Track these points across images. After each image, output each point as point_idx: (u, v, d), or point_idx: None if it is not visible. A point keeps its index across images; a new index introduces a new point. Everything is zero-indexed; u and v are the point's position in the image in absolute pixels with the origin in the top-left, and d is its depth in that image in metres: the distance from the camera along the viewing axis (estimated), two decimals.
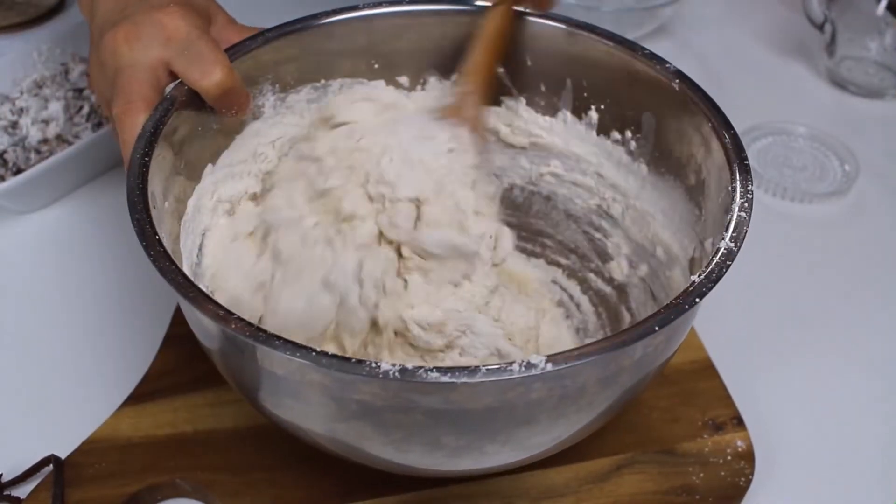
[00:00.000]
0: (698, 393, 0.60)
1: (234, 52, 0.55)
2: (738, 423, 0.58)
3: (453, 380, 0.38)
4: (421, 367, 0.38)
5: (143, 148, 0.49)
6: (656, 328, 0.41)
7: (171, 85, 0.53)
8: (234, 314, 0.41)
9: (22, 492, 0.54)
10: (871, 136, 0.85)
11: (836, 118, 0.88)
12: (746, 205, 0.47)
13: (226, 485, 0.54)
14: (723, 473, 0.55)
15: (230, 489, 0.54)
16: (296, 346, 0.40)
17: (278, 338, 0.40)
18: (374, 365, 0.39)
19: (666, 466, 0.56)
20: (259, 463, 0.55)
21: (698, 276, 0.44)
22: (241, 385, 0.48)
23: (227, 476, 0.54)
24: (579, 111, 0.62)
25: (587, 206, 0.64)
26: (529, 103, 0.63)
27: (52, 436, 0.56)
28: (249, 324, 0.41)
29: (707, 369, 0.61)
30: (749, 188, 0.48)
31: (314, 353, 0.39)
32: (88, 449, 0.55)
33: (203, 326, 0.46)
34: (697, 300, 0.42)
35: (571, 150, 0.63)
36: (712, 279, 0.43)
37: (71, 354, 0.63)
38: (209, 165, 0.55)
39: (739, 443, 0.57)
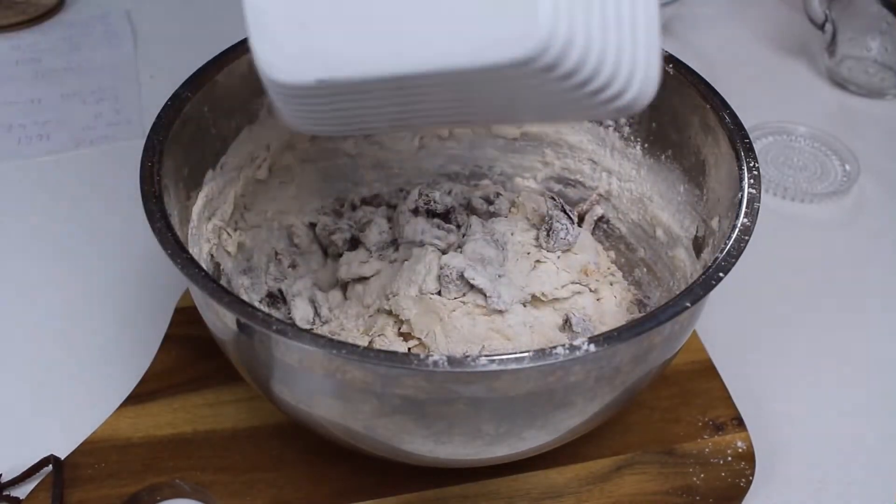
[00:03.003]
0: (699, 393, 0.59)
1: (228, 55, 0.55)
2: (739, 423, 0.58)
3: (501, 367, 0.39)
4: (468, 356, 0.39)
5: (155, 156, 0.49)
6: (688, 304, 0.42)
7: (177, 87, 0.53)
8: (272, 316, 0.41)
9: (21, 492, 0.54)
10: (872, 136, 0.85)
11: (837, 118, 0.88)
12: (753, 181, 0.49)
13: (226, 485, 0.54)
14: (723, 474, 0.55)
15: (230, 489, 0.54)
16: (339, 344, 0.40)
17: (321, 337, 0.40)
18: (421, 357, 0.39)
19: (666, 467, 0.56)
20: (259, 463, 0.55)
21: (720, 253, 0.45)
22: (264, 383, 0.48)
23: (227, 476, 0.54)
24: None
25: (582, 193, 0.65)
26: None
27: (52, 436, 0.56)
28: (292, 325, 0.41)
29: (707, 370, 0.61)
30: (754, 165, 0.50)
31: (360, 349, 0.40)
32: (88, 449, 0.55)
33: (229, 328, 0.45)
34: (722, 275, 0.44)
35: (563, 139, 0.64)
36: (733, 255, 0.45)
37: (71, 354, 0.63)
38: (210, 171, 0.56)
39: (740, 443, 0.57)
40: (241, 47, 0.56)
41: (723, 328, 0.64)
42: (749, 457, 0.56)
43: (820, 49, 0.92)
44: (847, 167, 0.80)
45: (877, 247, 0.74)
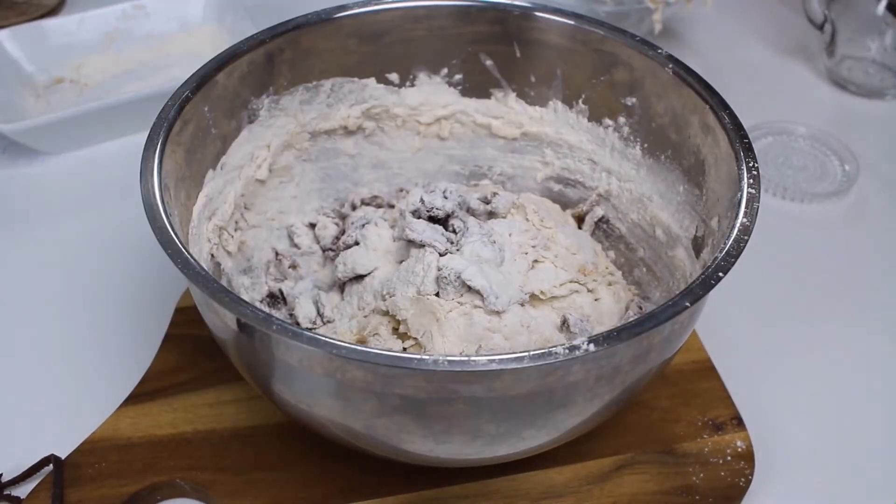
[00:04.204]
0: (698, 393, 0.60)
1: (228, 55, 0.56)
2: (738, 423, 0.58)
3: (501, 367, 0.39)
4: (468, 356, 0.39)
5: (156, 157, 0.49)
6: (687, 304, 0.42)
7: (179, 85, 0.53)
8: (272, 316, 0.41)
9: (22, 491, 0.54)
10: (872, 136, 0.85)
11: (836, 118, 0.88)
12: (753, 181, 0.49)
13: (226, 485, 0.54)
14: (723, 473, 0.55)
15: (230, 489, 0.54)
16: (340, 344, 0.40)
17: (321, 336, 0.40)
18: (421, 357, 0.39)
19: (666, 466, 0.56)
20: (259, 463, 0.55)
21: (719, 253, 0.45)
22: (264, 383, 0.48)
23: (227, 476, 0.54)
24: (570, 100, 0.63)
25: (582, 193, 0.65)
26: (520, 95, 0.64)
27: (52, 435, 0.56)
28: (292, 325, 0.41)
29: (707, 370, 0.61)
30: (753, 164, 0.50)
31: (360, 350, 0.40)
32: (88, 449, 0.55)
33: (229, 328, 0.45)
34: (721, 275, 0.44)
35: (563, 139, 0.64)
36: (732, 255, 0.45)
37: (71, 354, 0.63)
38: (210, 171, 0.56)
39: (739, 443, 0.57)
40: (241, 47, 0.56)
41: (723, 328, 0.65)
42: (748, 456, 0.56)
43: (819, 49, 0.92)
44: (846, 167, 0.80)
45: (876, 246, 0.74)
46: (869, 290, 0.71)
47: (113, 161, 0.79)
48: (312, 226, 0.65)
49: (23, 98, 0.82)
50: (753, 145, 0.51)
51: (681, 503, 0.54)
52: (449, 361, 0.39)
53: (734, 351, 0.64)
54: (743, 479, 0.55)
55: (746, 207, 0.48)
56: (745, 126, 0.52)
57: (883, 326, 0.68)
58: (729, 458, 0.56)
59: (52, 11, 0.95)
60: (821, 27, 0.90)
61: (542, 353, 0.39)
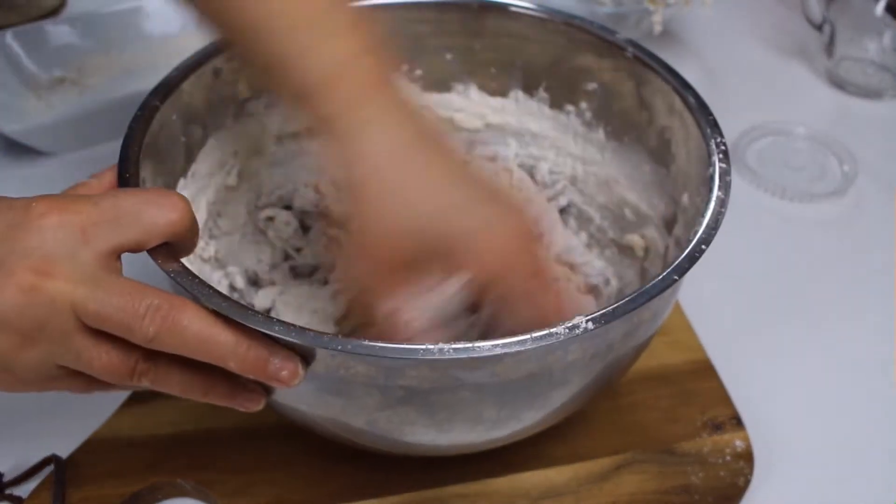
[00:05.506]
0: (697, 393, 0.60)
1: (192, 63, 0.55)
2: (737, 423, 0.58)
3: (505, 350, 0.40)
4: (472, 343, 0.40)
5: (130, 167, 0.49)
6: (676, 277, 0.44)
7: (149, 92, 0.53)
8: (274, 318, 0.41)
9: (23, 491, 0.54)
10: (870, 137, 0.86)
11: (835, 118, 0.88)
12: (723, 157, 0.50)
13: (226, 485, 0.54)
14: (722, 473, 0.55)
15: (230, 489, 0.54)
16: (344, 339, 0.40)
17: (324, 334, 0.40)
18: (426, 347, 0.40)
19: (665, 466, 0.56)
20: (259, 463, 0.55)
21: (700, 227, 0.46)
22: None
23: (227, 476, 0.54)
24: (531, 89, 0.64)
25: (549, 180, 0.66)
26: (481, 87, 0.65)
27: (54, 435, 0.57)
28: (295, 325, 0.41)
29: (706, 370, 0.61)
30: (721, 140, 0.51)
31: (365, 343, 0.40)
32: (89, 448, 0.56)
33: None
34: (704, 247, 0.45)
35: (526, 128, 0.65)
36: (712, 227, 0.46)
37: None
38: (181, 179, 0.56)
39: (738, 443, 0.57)
40: (204, 54, 0.56)
41: (721, 328, 0.65)
42: (748, 456, 0.56)
43: (818, 50, 0.92)
44: (845, 168, 0.80)
45: (875, 247, 0.74)
46: (868, 291, 0.71)
47: (114, 161, 0.79)
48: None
49: (24, 98, 0.82)
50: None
51: (680, 502, 0.54)
52: (454, 349, 0.40)
53: (734, 351, 0.64)
54: (742, 479, 0.55)
55: (720, 181, 0.49)
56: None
57: (882, 326, 0.68)
58: (728, 457, 0.56)
59: (53, 12, 0.95)
60: (820, 28, 0.90)
61: (544, 334, 0.41)
